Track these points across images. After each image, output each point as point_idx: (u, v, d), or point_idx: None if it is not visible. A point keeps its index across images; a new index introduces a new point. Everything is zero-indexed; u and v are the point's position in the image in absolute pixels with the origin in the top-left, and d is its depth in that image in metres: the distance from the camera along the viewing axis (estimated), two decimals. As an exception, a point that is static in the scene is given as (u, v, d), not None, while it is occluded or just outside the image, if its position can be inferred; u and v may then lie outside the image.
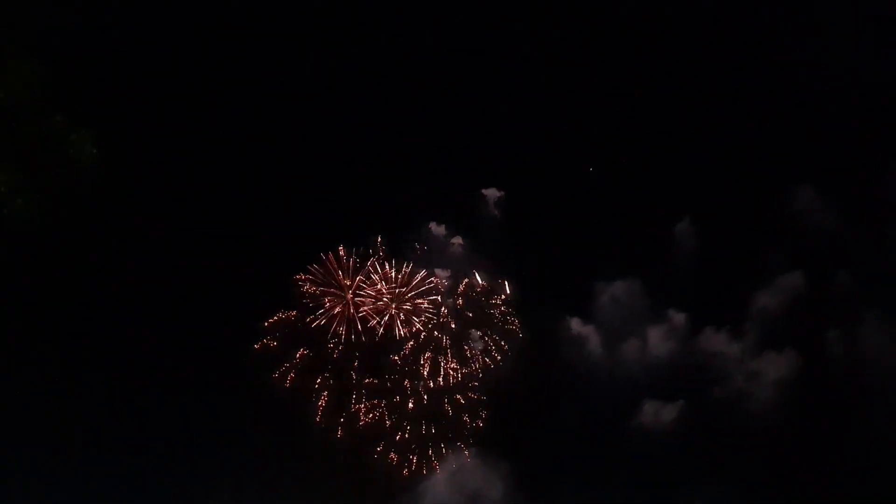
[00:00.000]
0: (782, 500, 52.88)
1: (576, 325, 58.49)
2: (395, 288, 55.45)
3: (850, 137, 57.63)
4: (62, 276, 52.80)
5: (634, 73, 59.91)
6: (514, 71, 60.51)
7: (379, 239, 56.17)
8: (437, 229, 58.65)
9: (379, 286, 55.51)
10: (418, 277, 55.59)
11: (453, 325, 56.35)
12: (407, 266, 55.90)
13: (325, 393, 55.06)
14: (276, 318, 55.58)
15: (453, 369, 55.74)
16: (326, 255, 55.68)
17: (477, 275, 56.36)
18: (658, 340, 57.91)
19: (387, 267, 55.43)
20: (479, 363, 56.04)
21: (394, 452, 53.95)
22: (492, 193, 59.60)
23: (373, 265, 55.93)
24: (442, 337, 55.98)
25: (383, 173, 57.47)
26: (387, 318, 55.26)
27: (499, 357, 55.87)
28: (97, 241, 52.66)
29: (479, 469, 54.69)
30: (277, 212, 57.11)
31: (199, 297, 54.66)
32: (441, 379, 55.38)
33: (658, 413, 55.82)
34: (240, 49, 57.93)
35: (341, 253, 55.86)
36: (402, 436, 54.49)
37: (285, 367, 54.75)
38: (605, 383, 56.92)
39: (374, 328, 55.18)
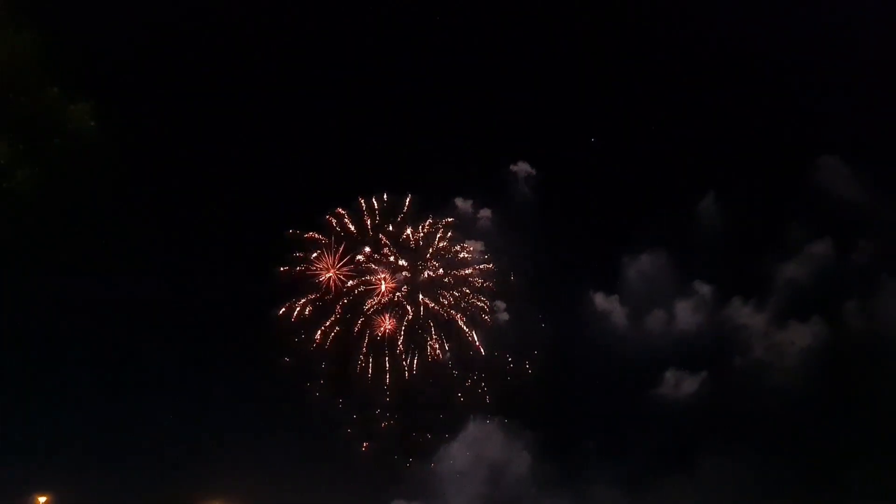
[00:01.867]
0: (799, 468, 52.82)
1: (602, 298, 58.99)
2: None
3: (870, 110, 56.97)
4: (63, 245, 52.98)
5: (661, 52, 59.86)
6: (540, 52, 60.76)
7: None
8: (464, 204, 59.12)
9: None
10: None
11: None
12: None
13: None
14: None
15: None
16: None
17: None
18: (684, 312, 58.31)
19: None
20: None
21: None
22: (520, 169, 60.05)
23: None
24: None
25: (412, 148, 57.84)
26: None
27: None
28: (99, 208, 52.86)
29: (500, 437, 55.45)
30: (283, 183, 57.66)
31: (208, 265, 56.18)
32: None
33: (680, 383, 56.47)
34: (248, 19, 57.91)
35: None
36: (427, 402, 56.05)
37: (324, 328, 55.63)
38: (631, 355, 57.40)
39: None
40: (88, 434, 54.09)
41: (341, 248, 56.46)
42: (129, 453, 54.48)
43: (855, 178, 57.14)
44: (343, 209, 56.81)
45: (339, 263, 56.42)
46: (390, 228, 57.16)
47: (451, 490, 55.47)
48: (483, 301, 57.14)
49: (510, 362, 57.47)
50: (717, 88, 59.69)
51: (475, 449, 56.11)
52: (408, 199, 57.09)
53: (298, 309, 56.29)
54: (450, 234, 57.72)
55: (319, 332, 56.10)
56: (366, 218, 57.11)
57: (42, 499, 50.88)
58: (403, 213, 57.20)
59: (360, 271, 56.77)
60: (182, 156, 56.74)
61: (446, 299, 56.81)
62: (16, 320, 53.27)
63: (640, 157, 59.91)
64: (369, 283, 56.70)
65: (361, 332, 56.14)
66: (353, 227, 56.96)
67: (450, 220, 57.82)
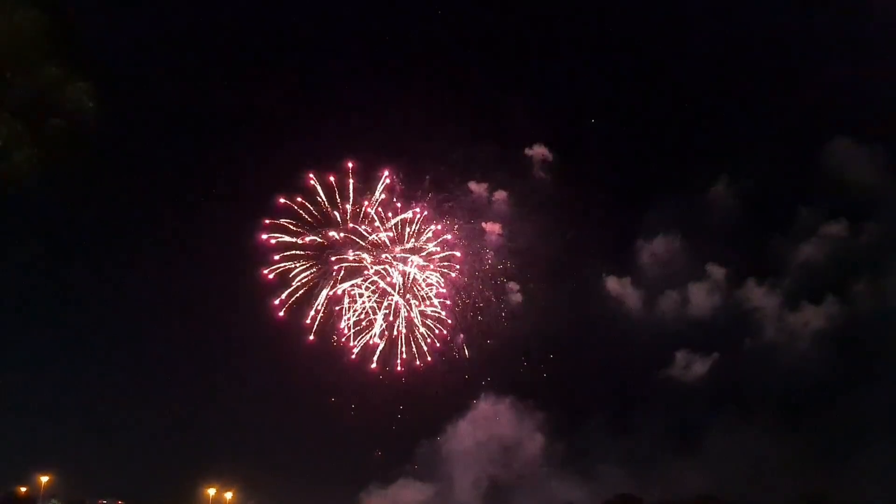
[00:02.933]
0: (807, 449, 53.02)
1: (615, 280, 59.23)
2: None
3: (882, 92, 56.52)
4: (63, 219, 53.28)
5: (675, 40, 59.53)
6: (555, 40, 60.53)
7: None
8: (478, 187, 58.73)
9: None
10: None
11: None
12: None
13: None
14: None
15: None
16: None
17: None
18: (697, 295, 58.49)
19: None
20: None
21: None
22: (536, 153, 59.68)
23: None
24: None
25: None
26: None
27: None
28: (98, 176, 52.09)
29: (508, 416, 56.18)
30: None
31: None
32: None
33: (691, 364, 56.83)
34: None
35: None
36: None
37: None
38: (643, 335, 57.68)
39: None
40: (89, 416, 53.28)
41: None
42: (129, 435, 53.92)
43: (868, 160, 57.41)
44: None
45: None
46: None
47: (458, 468, 55.60)
48: (497, 282, 56.93)
49: (521, 342, 57.17)
50: (730, 75, 60.03)
51: (483, 428, 56.35)
52: (427, 180, 56.27)
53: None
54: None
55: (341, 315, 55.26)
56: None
57: (44, 478, 49.75)
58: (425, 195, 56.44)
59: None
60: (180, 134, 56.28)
61: (460, 280, 56.34)
62: (19, 307, 53.31)
63: (653, 142, 60.35)
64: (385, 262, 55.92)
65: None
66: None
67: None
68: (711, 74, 59.42)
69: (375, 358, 54.74)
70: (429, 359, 55.49)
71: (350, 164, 54.00)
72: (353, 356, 54.33)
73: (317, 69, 57.86)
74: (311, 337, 53.62)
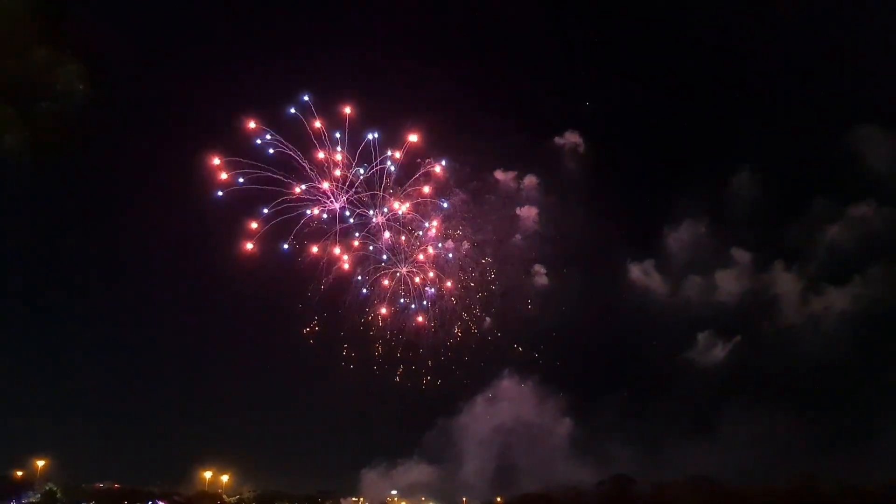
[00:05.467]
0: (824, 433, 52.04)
1: (641, 264, 58.95)
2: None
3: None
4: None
5: (700, 32, 58.07)
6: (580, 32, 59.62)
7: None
8: (505, 176, 58.60)
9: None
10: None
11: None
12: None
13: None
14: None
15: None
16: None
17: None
18: (722, 279, 57.99)
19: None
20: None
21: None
22: (566, 141, 59.21)
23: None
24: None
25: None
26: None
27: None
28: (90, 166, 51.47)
29: (524, 397, 55.80)
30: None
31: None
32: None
33: (713, 346, 56.45)
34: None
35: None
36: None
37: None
38: (668, 319, 57.34)
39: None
40: (85, 400, 53.13)
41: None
42: (125, 419, 53.99)
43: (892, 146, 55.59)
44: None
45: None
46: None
47: (469, 449, 55.13)
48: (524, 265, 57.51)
49: (545, 324, 56.88)
50: (757, 65, 59.25)
51: (499, 408, 56.10)
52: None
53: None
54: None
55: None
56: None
57: (40, 462, 50.16)
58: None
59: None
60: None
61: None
62: (10, 292, 52.99)
63: (677, 131, 59.29)
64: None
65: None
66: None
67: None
68: (738, 65, 58.78)
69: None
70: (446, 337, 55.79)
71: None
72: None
73: (341, 62, 55.74)
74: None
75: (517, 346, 56.63)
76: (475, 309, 56.10)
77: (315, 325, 53.94)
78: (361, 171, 53.64)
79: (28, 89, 45.20)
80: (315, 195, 53.46)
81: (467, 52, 57.21)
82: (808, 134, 55.76)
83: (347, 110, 52.53)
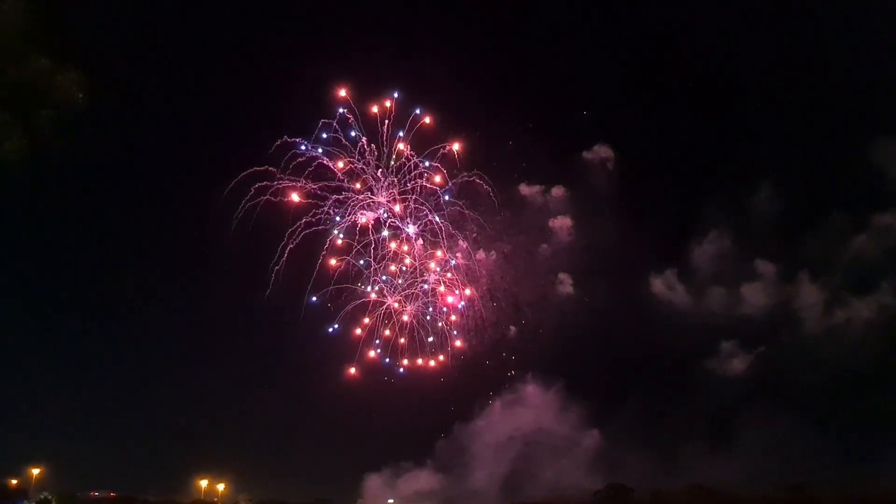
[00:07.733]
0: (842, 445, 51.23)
1: (666, 276, 58.46)
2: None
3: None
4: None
5: (724, 46, 57.51)
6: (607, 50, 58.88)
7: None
8: (529, 189, 58.56)
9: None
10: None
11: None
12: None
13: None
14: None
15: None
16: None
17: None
18: (747, 290, 57.33)
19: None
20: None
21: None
22: (597, 154, 58.96)
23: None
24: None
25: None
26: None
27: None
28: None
29: (547, 402, 55.58)
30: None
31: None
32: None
33: (735, 356, 55.93)
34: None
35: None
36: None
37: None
38: (691, 329, 56.22)
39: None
40: (80, 408, 53.23)
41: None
42: (120, 427, 53.78)
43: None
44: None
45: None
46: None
47: (479, 458, 54.71)
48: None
49: (567, 333, 56.38)
50: (778, 81, 57.74)
51: (514, 415, 55.91)
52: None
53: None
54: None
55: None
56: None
57: (35, 470, 50.41)
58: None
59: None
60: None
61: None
62: (7, 298, 53.44)
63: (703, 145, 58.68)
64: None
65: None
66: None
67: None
68: (762, 79, 58.06)
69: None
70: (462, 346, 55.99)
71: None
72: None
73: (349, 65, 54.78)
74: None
75: (539, 355, 56.61)
76: (500, 319, 56.50)
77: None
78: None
79: (27, 97, 45.16)
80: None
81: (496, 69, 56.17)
82: (831, 146, 55.31)
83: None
